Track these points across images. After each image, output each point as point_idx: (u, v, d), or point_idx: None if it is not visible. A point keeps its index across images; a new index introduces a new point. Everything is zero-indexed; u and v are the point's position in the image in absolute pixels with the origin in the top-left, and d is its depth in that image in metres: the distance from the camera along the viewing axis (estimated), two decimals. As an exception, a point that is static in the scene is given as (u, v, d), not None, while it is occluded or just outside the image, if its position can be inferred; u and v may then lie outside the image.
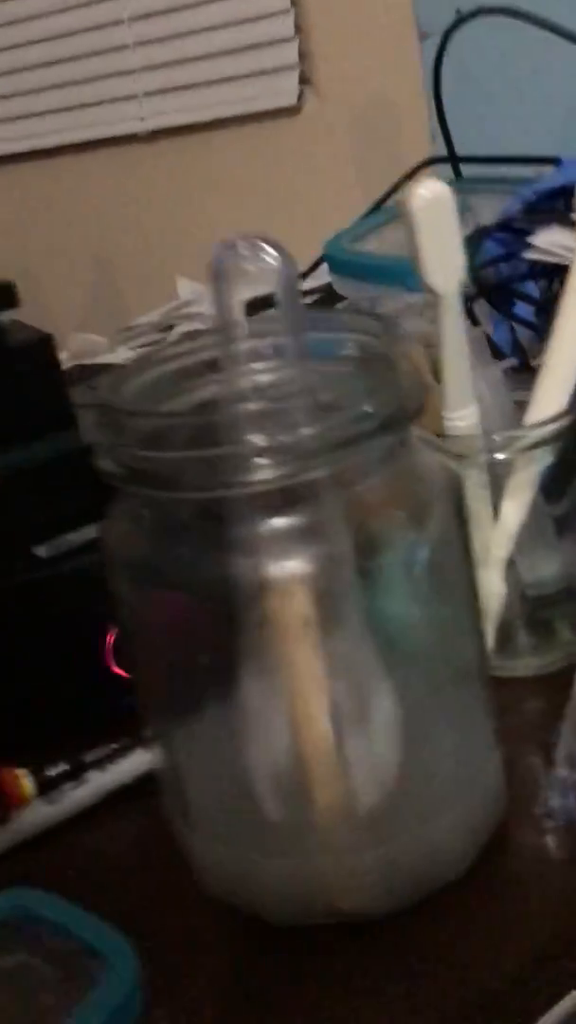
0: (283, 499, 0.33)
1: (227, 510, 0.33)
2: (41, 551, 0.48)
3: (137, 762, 0.44)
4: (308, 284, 0.87)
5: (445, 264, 0.37)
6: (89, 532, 0.48)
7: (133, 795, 0.44)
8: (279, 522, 0.33)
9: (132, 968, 0.34)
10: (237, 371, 0.36)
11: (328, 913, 0.35)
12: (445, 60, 0.80)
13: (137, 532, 0.36)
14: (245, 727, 0.36)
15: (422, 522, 0.33)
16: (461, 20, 0.73)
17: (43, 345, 0.51)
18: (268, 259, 0.35)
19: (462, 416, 0.41)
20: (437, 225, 0.37)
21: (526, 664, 0.46)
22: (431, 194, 0.36)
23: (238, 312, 0.36)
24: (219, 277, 0.36)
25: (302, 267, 1.05)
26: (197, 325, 0.93)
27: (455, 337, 0.38)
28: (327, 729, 0.35)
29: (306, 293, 0.87)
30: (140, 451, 0.34)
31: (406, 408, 0.32)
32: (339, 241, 0.75)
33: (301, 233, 1.21)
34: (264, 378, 0.36)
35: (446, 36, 0.73)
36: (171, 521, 0.35)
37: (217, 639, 0.35)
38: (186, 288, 1.16)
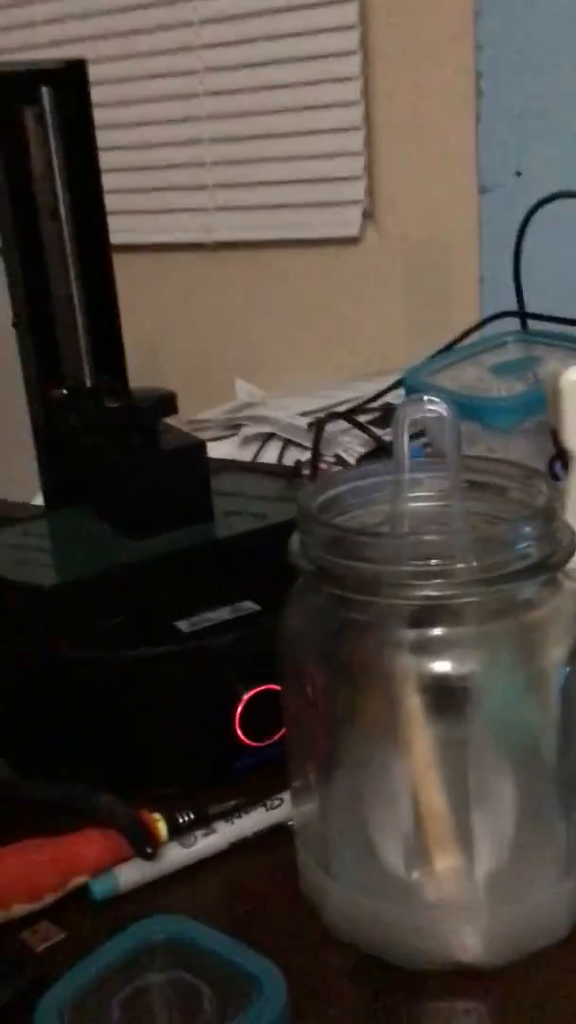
0: (440, 613, 0.41)
1: (392, 613, 0.41)
2: (183, 626, 0.55)
3: (258, 819, 0.51)
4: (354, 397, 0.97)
5: (580, 431, 0.46)
6: (224, 612, 0.56)
7: (251, 847, 0.51)
8: (436, 631, 0.41)
9: (283, 990, 0.40)
10: (409, 498, 0.44)
11: (447, 962, 0.42)
12: (505, 216, 0.90)
13: (315, 617, 0.43)
14: (378, 795, 0.43)
15: (561, 644, 0.41)
16: (541, 203, 0.83)
17: (195, 450, 0.59)
18: (441, 411, 0.44)
19: None
20: (577, 400, 0.45)
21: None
22: (576, 376, 0.45)
23: (408, 450, 0.45)
24: (400, 422, 0.44)
25: (346, 386, 1.15)
26: (265, 428, 1.02)
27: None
28: (442, 805, 0.42)
29: (372, 409, 0.96)
30: (329, 555, 0.42)
31: (562, 554, 0.40)
32: (417, 373, 0.84)
33: (345, 350, 1.31)
34: (432, 507, 0.44)
35: (530, 213, 0.84)
36: (346, 612, 0.42)
37: (368, 715, 0.43)
38: (243, 389, 1.25)
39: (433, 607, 0.40)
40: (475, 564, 0.39)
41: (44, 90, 0.56)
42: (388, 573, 0.40)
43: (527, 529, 0.40)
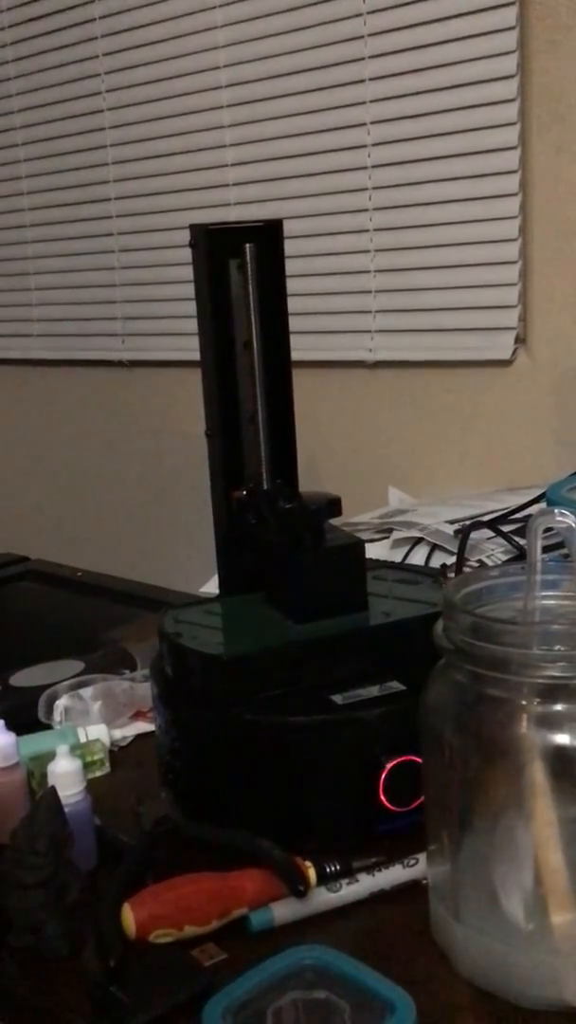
0: (563, 692, 0.48)
1: (521, 690, 0.48)
2: (338, 699, 0.63)
3: (396, 874, 0.58)
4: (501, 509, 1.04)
5: None
6: (373, 690, 0.63)
7: (389, 898, 0.57)
8: (558, 706, 0.48)
9: (413, 1014, 0.47)
10: (539, 595, 0.52)
11: (556, 1003, 0.47)
12: None
13: (454, 691, 0.51)
14: (503, 851, 0.50)
15: None
16: None
17: (355, 548, 0.68)
18: (570, 522, 0.52)
19: None
20: None
21: None
22: None
23: (540, 554, 0.52)
24: (533, 530, 0.52)
25: (493, 498, 1.22)
26: (414, 533, 1.10)
27: None
28: (561, 866, 0.48)
29: (515, 519, 1.03)
30: (469, 638, 0.49)
31: None
32: (559, 487, 0.91)
33: (494, 464, 1.39)
34: (559, 604, 0.52)
35: None
36: (481, 687, 0.50)
37: (497, 779, 0.50)
38: (395, 496, 1.34)
39: (556, 686, 0.47)
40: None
41: (247, 246, 0.68)
42: (519, 655, 0.47)
43: None
